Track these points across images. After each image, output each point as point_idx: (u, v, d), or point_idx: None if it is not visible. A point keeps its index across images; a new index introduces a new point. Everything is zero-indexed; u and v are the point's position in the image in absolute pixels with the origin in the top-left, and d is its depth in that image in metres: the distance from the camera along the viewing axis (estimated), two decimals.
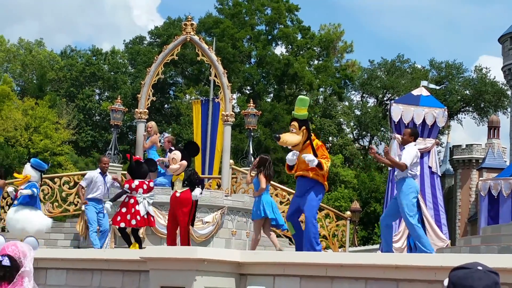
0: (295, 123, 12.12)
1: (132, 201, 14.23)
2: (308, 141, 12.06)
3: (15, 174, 16.35)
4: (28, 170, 16.13)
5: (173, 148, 21.07)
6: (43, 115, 56.52)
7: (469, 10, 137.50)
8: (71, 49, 71.37)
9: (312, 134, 12.28)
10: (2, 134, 54.71)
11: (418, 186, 13.04)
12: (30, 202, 15.92)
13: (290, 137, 12.09)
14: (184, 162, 12.39)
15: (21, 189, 15.98)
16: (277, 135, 12.14)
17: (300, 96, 12.58)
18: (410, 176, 12.42)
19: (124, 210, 14.22)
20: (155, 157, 20.40)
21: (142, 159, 15.14)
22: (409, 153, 12.46)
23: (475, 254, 13.83)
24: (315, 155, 11.89)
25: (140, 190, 14.31)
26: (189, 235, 12.46)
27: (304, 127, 12.07)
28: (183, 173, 12.44)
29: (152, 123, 21.14)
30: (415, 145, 12.85)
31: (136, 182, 14.35)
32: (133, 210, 14.18)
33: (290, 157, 12.23)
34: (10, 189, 17.25)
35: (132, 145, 56.28)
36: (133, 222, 14.21)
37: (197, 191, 12.24)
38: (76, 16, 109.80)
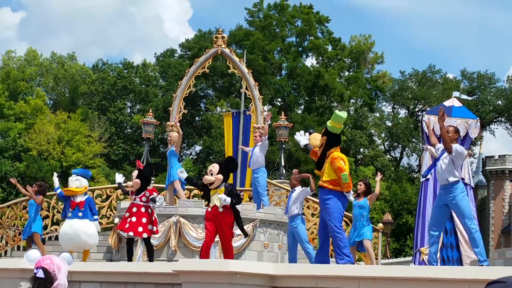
0: (324, 131, 12.27)
1: (143, 209, 14.22)
2: (328, 152, 12.06)
3: (73, 189, 16.32)
4: (84, 181, 16.20)
5: (258, 144, 21.27)
6: (75, 128, 56.95)
7: (501, 18, 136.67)
8: (103, 62, 71.95)
9: (336, 148, 12.17)
10: (35, 148, 55.17)
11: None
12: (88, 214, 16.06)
13: (314, 138, 12.56)
14: (220, 176, 12.36)
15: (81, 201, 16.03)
16: (311, 130, 12.39)
17: (335, 111, 12.61)
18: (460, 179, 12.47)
19: (134, 219, 14.21)
20: (176, 166, 20.33)
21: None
22: (459, 146, 12.58)
23: (510, 266, 13.70)
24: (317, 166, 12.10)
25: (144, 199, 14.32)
26: (232, 248, 12.44)
27: (325, 137, 12.10)
28: (223, 188, 12.41)
29: (172, 133, 21.10)
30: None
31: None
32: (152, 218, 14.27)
33: (301, 137, 12.85)
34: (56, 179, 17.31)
35: (163, 158, 56.47)
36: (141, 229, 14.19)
37: (224, 196, 12.19)
38: (108, 29, 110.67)
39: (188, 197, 26.91)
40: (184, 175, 13.64)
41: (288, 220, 16.77)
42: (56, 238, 27.24)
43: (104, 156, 60.93)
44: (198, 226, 21.80)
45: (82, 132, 57.22)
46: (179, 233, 21.75)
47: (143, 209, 14.12)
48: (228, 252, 12.55)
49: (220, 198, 12.19)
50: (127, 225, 14.09)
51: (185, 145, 69.22)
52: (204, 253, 12.63)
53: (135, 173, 14.21)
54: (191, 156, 68.90)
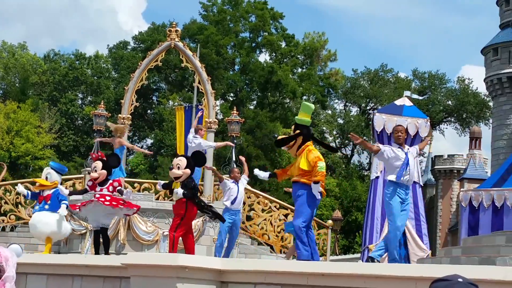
0: (293, 127, 12.19)
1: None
2: (303, 146, 11.95)
3: (39, 180, 16.16)
4: (55, 176, 16.03)
5: (199, 137, 21.00)
6: (25, 118, 56.27)
7: (453, 21, 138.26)
8: (55, 53, 71.17)
9: (309, 142, 12.14)
10: None
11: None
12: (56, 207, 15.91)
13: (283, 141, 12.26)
14: (188, 171, 12.28)
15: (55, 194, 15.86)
16: (276, 139, 12.29)
17: (303, 102, 12.59)
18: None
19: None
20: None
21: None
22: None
23: (456, 265, 13.88)
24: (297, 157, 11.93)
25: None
26: (174, 242, 12.28)
27: (298, 131, 12.00)
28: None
29: (113, 125, 20.95)
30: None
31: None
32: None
33: (262, 177, 12.48)
34: (21, 188, 17.11)
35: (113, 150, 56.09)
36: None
37: (179, 190, 12.11)
38: (61, 20, 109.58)
39: (138, 190, 26.81)
40: (161, 183, 13.49)
41: (233, 212, 16.53)
42: (3, 229, 26.95)
43: (54, 147, 60.35)
44: (147, 220, 21.74)
45: (32, 123, 56.57)
46: (128, 226, 21.67)
47: (108, 198, 14.09)
48: (170, 246, 12.44)
49: (175, 193, 12.14)
50: None
51: (136, 138, 68.88)
52: (172, 246, 12.49)
53: (99, 164, 14.16)
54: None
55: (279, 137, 12.40)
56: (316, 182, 11.65)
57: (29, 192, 16.86)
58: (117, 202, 14.05)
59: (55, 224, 15.70)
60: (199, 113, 22.26)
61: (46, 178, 15.96)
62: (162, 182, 13.36)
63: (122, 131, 21.85)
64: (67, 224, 16.53)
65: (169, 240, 12.42)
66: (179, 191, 12.04)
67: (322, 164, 11.77)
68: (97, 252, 14.73)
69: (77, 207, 14.33)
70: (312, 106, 12.55)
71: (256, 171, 12.62)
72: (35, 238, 15.97)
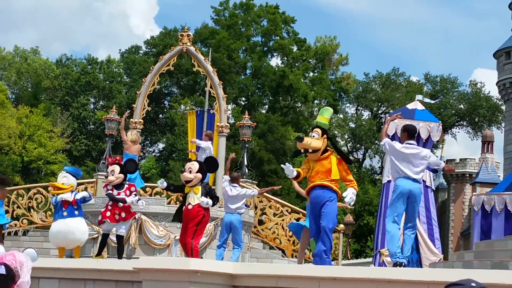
0: (318, 130, 11.76)
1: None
2: (328, 152, 11.74)
3: (57, 184, 16.12)
4: (72, 179, 16.02)
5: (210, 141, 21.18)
6: (38, 123, 56.46)
7: (464, 24, 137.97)
8: (67, 57, 71.41)
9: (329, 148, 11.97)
10: None
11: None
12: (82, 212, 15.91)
13: (314, 141, 11.65)
14: (199, 175, 12.34)
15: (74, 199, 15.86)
16: (300, 136, 11.81)
17: (326, 106, 12.50)
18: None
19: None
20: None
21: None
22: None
23: (468, 269, 13.83)
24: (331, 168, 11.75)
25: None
26: (192, 248, 12.31)
27: (325, 136, 11.80)
28: (199, 187, 12.39)
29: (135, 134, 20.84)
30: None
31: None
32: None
33: (289, 170, 11.66)
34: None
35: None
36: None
37: (205, 198, 12.18)
38: (73, 24, 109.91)
39: (150, 195, 26.85)
40: (164, 184, 13.51)
41: (229, 212, 16.32)
42: (16, 233, 27.03)
43: (66, 152, 60.50)
44: (159, 224, 21.75)
45: (44, 127, 56.73)
46: (140, 231, 21.68)
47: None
48: (187, 250, 12.49)
49: (202, 201, 12.21)
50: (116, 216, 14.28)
51: (148, 142, 69.00)
52: (191, 254, 12.54)
53: (117, 168, 14.30)
54: (154, 154, 68.68)
55: (306, 139, 11.80)
56: (353, 190, 11.77)
57: (56, 197, 16.77)
58: (127, 214, 14.27)
59: (87, 233, 15.82)
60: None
61: (63, 183, 15.96)
62: (163, 181, 13.38)
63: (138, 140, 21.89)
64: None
65: (187, 247, 12.42)
66: (206, 200, 12.13)
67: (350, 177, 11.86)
68: (99, 253, 14.78)
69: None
70: (331, 109, 12.50)
71: (286, 165, 11.96)
72: (61, 244, 15.79)
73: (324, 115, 12.11)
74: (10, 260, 5.63)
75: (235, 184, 16.33)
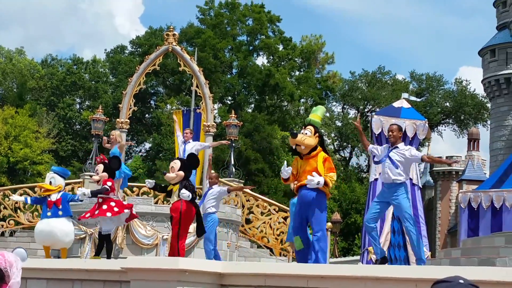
0: (311, 127, 11.80)
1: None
2: (317, 150, 11.70)
3: (44, 185, 16.05)
4: (59, 179, 15.96)
5: (191, 141, 21.13)
6: (23, 123, 56.26)
7: (450, 22, 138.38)
8: (52, 57, 71.21)
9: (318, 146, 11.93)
10: None
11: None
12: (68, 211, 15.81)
13: (308, 138, 11.65)
14: (181, 173, 12.35)
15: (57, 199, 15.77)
16: (294, 131, 11.76)
17: (319, 105, 12.52)
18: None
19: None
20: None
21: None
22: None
23: (455, 266, 13.89)
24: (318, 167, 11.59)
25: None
26: (180, 251, 12.27)
27: (317, 134, 11.84)
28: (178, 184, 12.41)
29: (115, 132, 20.61)
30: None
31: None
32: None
33: (285, 170, 11.65)
34: (16, 197, 16.98)
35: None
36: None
37: (185, 191, 12.14)
38: (58, 24, 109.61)
39: (137, 194, 26.82)
40: (152, 183, 13.49)
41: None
42: (2, 234, 26.96)
43: (52, 152, 60.33)
44: (146, 224, 21.73)
45: (30, 128, 56.54)
46: (127, 230, 21.66)
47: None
48: (173, 249, 12.47)
49: (182, 194, 12.18)
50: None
51: (134, 142, 68.90)
52: (171, 251, 12.57)
53: (101, 166, 14.41)
54: (140, 154, 68.60)
55: (300, 135, 11.76)
56: (324, 182, 11.40)
57: (28, 198, 16.76)
58: (120, 208, 14.30)
59: (73, 234, 15.71)
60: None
61: (50, 183, 15.91)
62: (153, 181, 13.40)
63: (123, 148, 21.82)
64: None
65: (173, 248, 12.39)
66: (187, 193, 12.09)
67: (334, 174, 11.64)
68: (98, 254, 14.80)
69: (86, 217, 14.49)
70: (324, 108, 12.51)
71: (285, 164, 11.90)
72: (44, 243, 15.75)
73: (317, 113, 12.16)
74: (0, 260, 5.62)
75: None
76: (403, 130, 13.26)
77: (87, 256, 21.13)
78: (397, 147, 12.71)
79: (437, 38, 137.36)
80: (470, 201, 26.28)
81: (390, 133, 12.80)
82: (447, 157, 68.59)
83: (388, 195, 12.73)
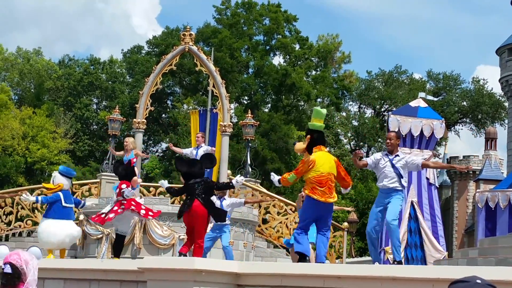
0: (305, 133, 12.44)
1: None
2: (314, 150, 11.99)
3: (45, 184, 16.12)
4: (59, 178, 15.97)
5: (203, 145, 21.18)
6: (41, 124, 56.50)
7: (467, 21, 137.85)
8: (69, 58, 71.45)
9: (320, 146, 12.10)
10: None
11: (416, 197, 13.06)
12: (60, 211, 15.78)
13: (298, 144, 12.36)
14: None
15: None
16: (294, 142, 12.56)
17: (315, 108, 12.67)
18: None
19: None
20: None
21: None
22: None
23: (473, 266, 13.83)
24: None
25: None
26: (200, 247, 12.26)
27: (308, 136, 12.07)
28: None
29: (129, 139, 20.53)
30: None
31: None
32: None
33: (274, 180, 12.36)
34: (25, 196, 17.01)
35: None
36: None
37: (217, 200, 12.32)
38: (75, 25, 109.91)
39: (154, 195, 26.86)
40: (166, 184, 13.52)
41: (214, 226, 16.31)
42: (20, 234, 27.07)
43: (69, 153, 60.54)
44: (163, 224, 21.76)
45: (47, 128, 56.77)
46: (144, 230, 21.69)
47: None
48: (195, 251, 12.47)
49: (214, 201, 12.34)
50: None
51: (151, 142, 69.03)
52: (185, 249, 12.54)
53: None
54: (157, 154, 68.70)
55: (296, 147, 12.57)
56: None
57: (39, 197, 16.69)
58: (139, 208, 14.43)
59: (55, 236, 15.36)
60: None
61: (53, 182, 15.98)
62: (166, 182, 13.50)
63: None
64: (75, 231, 16.24)
65: (197, 249, 12.33)
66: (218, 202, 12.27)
67: (293, 175, 11.98)
68: (117, 255, 14.81)
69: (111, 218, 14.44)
70: (324, 111, 12.56)
71: (272, 175, 12.53)
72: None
73: (313, 116, 12.39)
74: (16, 259, 5.79)
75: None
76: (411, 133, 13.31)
77: (103, 256, 21.19)
78: (397, 155, 12.60)
79: (454, 37, 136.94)
80: (487, 200, 26.18)
81: (388, 141, 12.73)
82: (464, 157, 68.38)
83: (385, 200, 12.53)
